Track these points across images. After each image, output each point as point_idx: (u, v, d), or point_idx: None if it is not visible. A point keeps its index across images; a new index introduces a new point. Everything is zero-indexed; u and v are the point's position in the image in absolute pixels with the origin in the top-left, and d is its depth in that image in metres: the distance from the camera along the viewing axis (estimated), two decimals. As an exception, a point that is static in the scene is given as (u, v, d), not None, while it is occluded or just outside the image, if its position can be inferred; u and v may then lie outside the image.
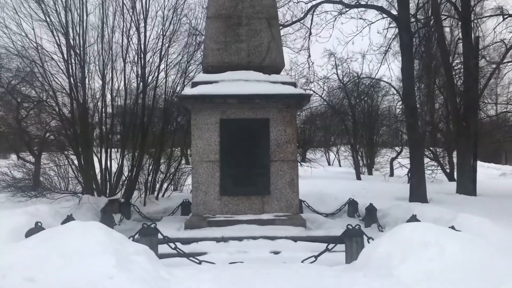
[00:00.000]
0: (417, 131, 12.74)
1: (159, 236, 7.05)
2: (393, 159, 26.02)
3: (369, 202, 11.59)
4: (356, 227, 6.37)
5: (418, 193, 12.59)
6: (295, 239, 7.47)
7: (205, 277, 5.15)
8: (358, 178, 23.03)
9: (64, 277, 4.35)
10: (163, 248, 6.66)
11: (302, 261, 6.32)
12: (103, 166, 11.77)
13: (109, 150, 11.98)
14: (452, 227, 6.39)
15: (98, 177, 11.74)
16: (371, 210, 10.35)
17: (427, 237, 5.27)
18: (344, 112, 25.11)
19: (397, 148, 27.54)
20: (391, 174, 25.00)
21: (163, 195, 12.59)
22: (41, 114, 13.74)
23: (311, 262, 6.31)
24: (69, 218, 7.75)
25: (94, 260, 4.56)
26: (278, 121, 8.41)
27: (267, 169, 8.36)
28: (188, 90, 8.40)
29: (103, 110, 11.88)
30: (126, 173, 12.26)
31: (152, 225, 6.34)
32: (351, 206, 11.77)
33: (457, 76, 15.95)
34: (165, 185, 12.94)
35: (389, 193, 14.46)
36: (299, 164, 8.25)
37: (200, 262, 6.32)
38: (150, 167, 12.50)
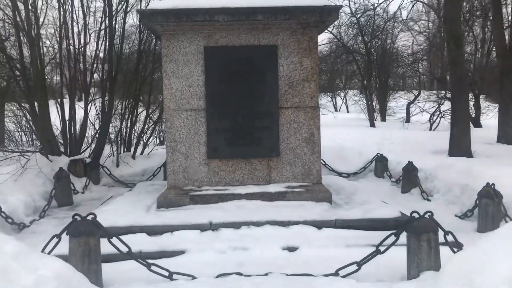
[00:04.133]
0: (462, 67, 9.98)
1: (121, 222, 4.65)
2: (409, 104, 23.41)
3: (401, 157, 9.30)
4: (427, 216, 3.85)
5: (460, 145, 10.03)
6: (318, 224, 4.99)
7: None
8: (372, 125, 20.50)
9: None
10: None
11: (336, 271, 3.87)
12: (66, 118, 9.20)
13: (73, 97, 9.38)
14: None
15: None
16: (410, 170, 7.87)
17: None
18: (356, 51, 22.14)
19: (414, 91, 24.84)
20: (407, 120, 22.54)
21: (141, 153, 10.05)
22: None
23: (350, 274, 3.87)
24: (-19, 198, 5.24)
25: None
26: (290, 48, 5.72)
27: (275, 119, 5.78)
28: (156, 3, 5.63)
29: (62, 45, 9.09)
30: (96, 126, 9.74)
31: (90, 216, 3.83)
32: (379, 163, 9.34)
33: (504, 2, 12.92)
34: (145, 140, 10.37)
35: (420, 144, 11.90)
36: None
37: (170, 276, 3.87)
38: (125, 117, 9.88)
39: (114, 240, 3.96)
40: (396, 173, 8.76)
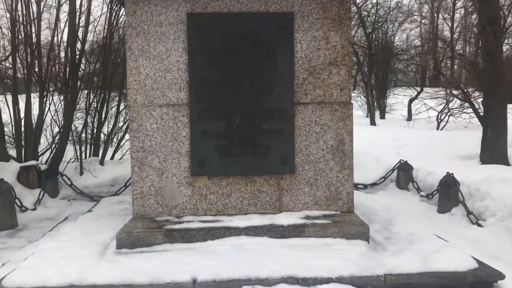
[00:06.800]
0: (500, 57, 8.39)
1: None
2: (411, 100, 21.94)
3: (426, 164, 7.88)
4: None
5: (495, 149, 8.47)
6: (360, 283, 3.27)
7: None
8: (373, 123, 18.96)
9: None
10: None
11: None
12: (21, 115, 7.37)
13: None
14: None
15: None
16: (449, 184, 6.21)
17: None
18: (356, 44, 20.53)
19: (416, 88, 23.32)
20: (409, 118, 21.06)
21: (112, 157, 8.24)
22: None
23: None
24: None
25: None
26: (312, 18, 3.99)
27: (289, 120, 4.05)
28: (116, -51, 3.86)
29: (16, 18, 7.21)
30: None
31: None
32: (402, 172, 7.70)
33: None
34: (116, 142, 8.54)
35: (439, 147, 10.30)
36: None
37: None
38: (92, 113, 8.05)
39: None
40: (425, 186, 7.14)
